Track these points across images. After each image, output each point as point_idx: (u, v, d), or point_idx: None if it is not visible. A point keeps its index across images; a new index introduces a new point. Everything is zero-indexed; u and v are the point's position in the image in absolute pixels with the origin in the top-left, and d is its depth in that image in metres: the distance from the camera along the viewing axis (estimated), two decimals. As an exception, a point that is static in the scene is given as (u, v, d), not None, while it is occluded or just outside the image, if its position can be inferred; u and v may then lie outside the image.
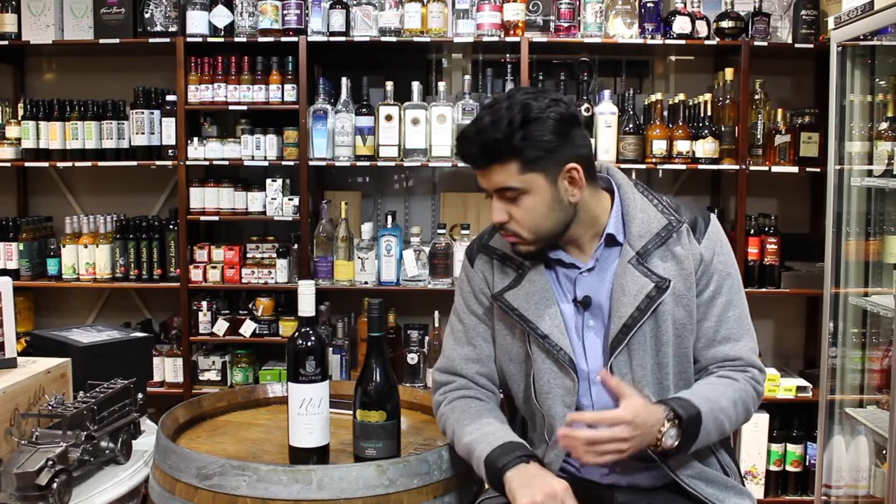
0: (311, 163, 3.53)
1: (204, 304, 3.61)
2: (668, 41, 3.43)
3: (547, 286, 1.72)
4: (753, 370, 1.74)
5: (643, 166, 3.45)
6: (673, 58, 3.84)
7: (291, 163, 3.55)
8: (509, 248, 1.77)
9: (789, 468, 3.52)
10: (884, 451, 2.83)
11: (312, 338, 1.74)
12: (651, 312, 1.65)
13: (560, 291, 1.74)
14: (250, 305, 3.67)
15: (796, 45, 3.43)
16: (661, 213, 1.73)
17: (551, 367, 1.69)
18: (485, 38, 3.44)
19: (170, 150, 3.58)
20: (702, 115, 3.45)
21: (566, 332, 1.70)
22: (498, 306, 1.75)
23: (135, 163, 3.64)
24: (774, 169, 3.45)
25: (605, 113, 3.41)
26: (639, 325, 1.65)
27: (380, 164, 3.52)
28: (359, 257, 3.53)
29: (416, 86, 3.49)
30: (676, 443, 1.58)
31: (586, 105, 3.43)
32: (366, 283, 3.54)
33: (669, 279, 1.67)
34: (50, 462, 1.66)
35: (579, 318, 1.73)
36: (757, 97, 3.49)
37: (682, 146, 3.41)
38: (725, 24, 3.43)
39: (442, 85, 3.54)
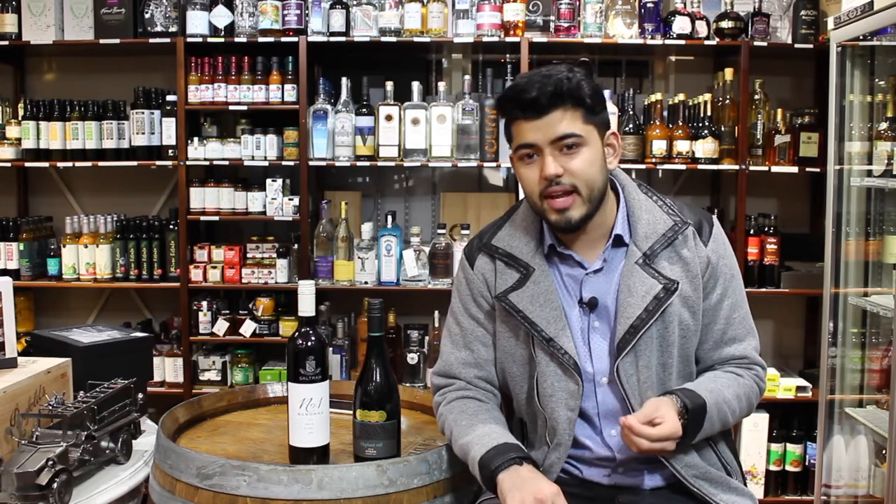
0: (311, 163, 3.53)
1: (204, 304, 3.61)
2: (667, 41, 3.43)
3: (552, 288, 1.70)
4: (757, 368, 1.77)
5: (643, 166, 3.45)
6: (673, 58, 3.84)
7: (291, 163, 3.55)
8: (514, 247, 1.75)
9: (789, 468, 3.52)
10: (883, 451, 2.83)
11: (312, 338, 1.74)
12: (659, 314, 1.64)
13: (565, 293, 1.72)
14: (250, 305, 3.67)
15: (796, 46, 3.43)
16: (666, 213, 1.72)
17: (555, 371, 1.68)
18: (485, 39, 3.44)
19: (170, 150, 3.58)
20: (701, 115, 3.45)
21: (571, 335, 1.68)
22: (501, 307, 1.73)
23: (135, 163, 3.64)
24: (774, 169, 3.45)
25: (605, 113, 3.41)
26: (647, 327, 1.64)
27: (380, 164, 3.52)
28: (359, 257, 3.53)
29: (416, 86, 3.49)
30: (681, 433, 1.59)
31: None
32: (366, 283, 3.54)
33: (678, 281, 1.66)
34: (50, 462, 1.66)
35: (585, 320, 1.71)
36: (757, 97, 3.49)
37: (681, 146, 3.41)
38: (725, 24, 3.43)
39: (442, 85, 3.53)
